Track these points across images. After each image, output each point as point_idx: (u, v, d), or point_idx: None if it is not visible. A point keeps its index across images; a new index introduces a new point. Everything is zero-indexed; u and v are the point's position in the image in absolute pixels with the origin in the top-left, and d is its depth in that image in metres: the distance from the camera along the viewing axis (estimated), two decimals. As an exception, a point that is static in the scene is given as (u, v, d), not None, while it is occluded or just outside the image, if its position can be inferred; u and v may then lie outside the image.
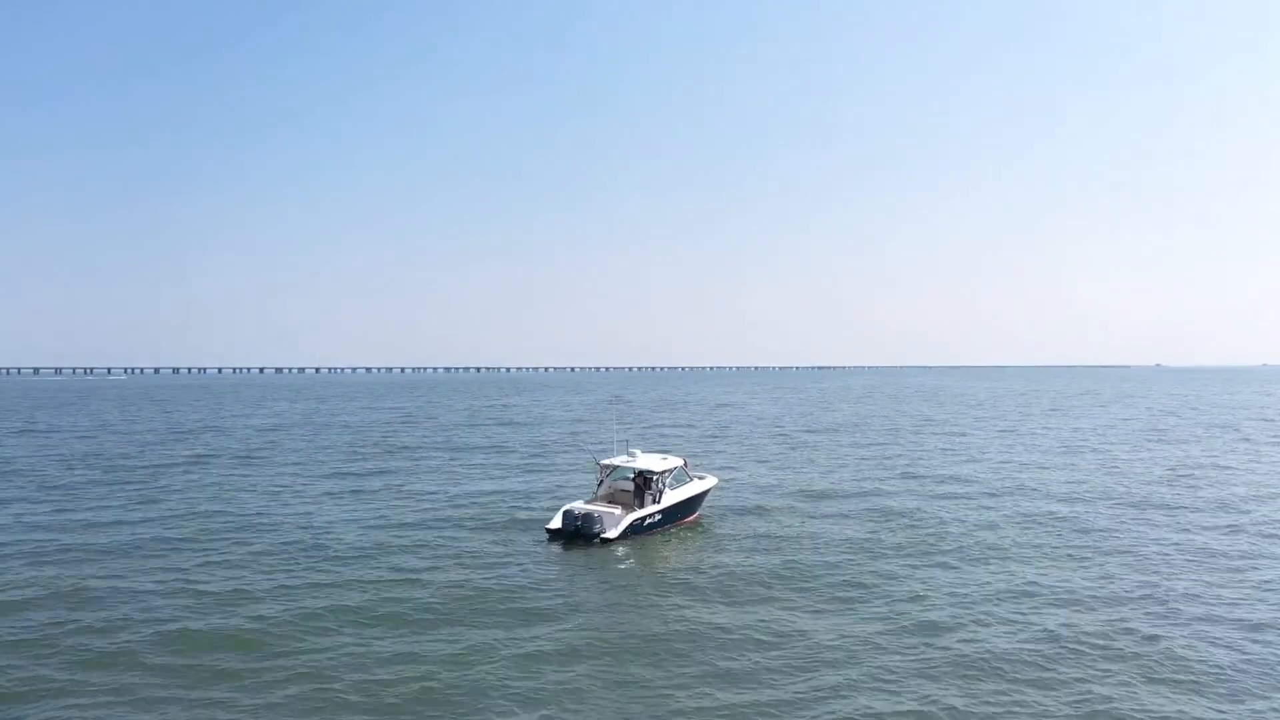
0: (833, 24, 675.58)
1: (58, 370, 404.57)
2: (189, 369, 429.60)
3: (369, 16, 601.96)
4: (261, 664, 18.27)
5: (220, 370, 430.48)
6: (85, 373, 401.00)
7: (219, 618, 21.13)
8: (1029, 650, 19.17)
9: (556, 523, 29.72)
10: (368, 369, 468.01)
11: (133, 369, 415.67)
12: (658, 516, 30.52)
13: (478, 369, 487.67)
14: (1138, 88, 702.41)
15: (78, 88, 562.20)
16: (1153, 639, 20.02)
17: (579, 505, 30.62)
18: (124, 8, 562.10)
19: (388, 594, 23.03)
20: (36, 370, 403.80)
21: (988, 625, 20.98)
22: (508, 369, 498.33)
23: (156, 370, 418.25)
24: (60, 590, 23.36)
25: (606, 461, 32.73)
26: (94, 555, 27.37)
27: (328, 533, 30.83)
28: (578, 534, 28.96)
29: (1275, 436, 70.95)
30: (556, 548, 28.52)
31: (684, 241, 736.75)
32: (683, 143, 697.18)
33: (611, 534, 28.77)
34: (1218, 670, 18.24)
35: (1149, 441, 66.27)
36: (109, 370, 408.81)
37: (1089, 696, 16.92)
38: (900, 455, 57.24)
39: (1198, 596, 23.47)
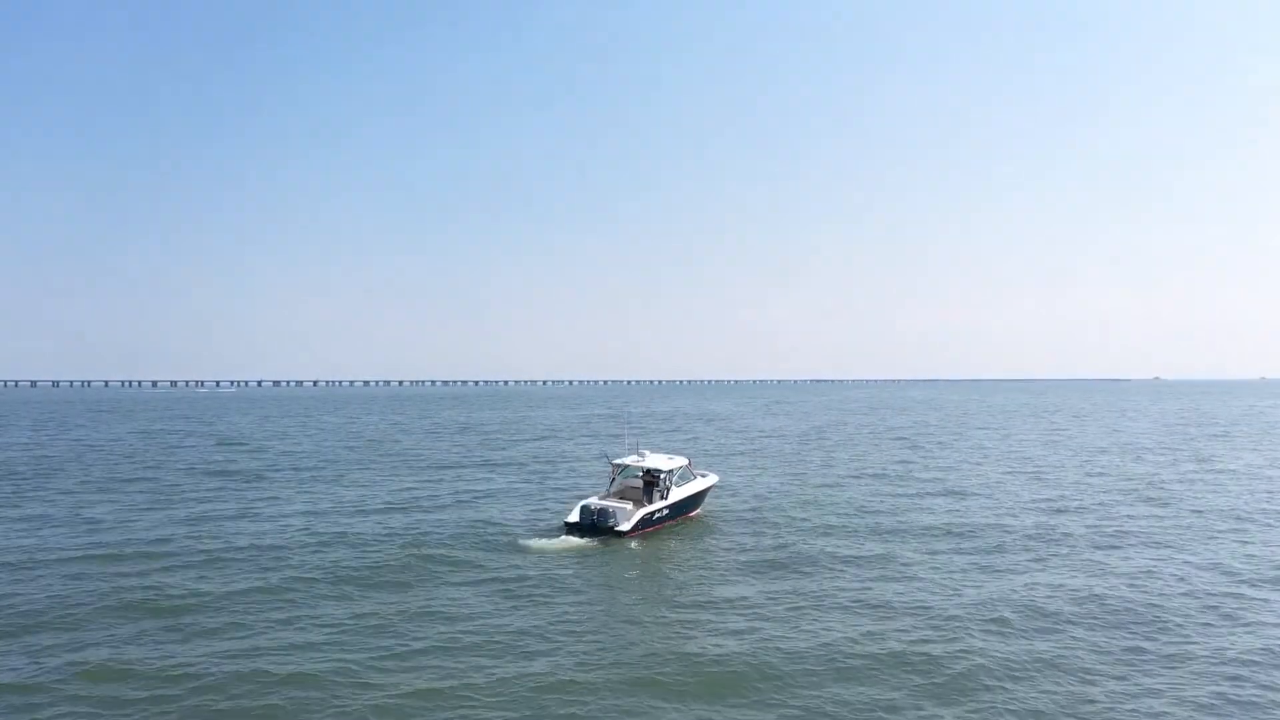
0: (845, 38, 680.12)
1: (55, 383, 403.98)
2: (185, 382, 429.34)
3: (388, 29, 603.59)
4: (293, 638, 18.82)
5: (219, 384, 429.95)
6: (84, 385, 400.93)
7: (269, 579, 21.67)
8: (1017, 646, 19.49)
9: (574, 516, 31.08)
10: (365, 382, 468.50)
11: (128, 382, 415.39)
12: (665, 511, 32.21)
13: (475, 383, 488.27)
14: (1138, 101, 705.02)
15: (103, 93, 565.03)
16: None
17: (594, 501, 31.97)
18: (148, 10, 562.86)
19: (419, 587, 23.93)
20: (34, 383, 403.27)
21: (960, 609, 21.45)
22: (504, 382, 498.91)
23: (154, 384, 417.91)
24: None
25: (618, 461, 34.37)
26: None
27: (365, 531, 31.77)
28: (594, 527, 30.39)
29: None
30: (575, 539, 29.85)
31: (679, 253, 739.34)
32: (694, 154, 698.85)
33: (624, 527, 30.27)
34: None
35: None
36: (106, 383, 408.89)
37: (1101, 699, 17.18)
38: (895, 461, 57.74)
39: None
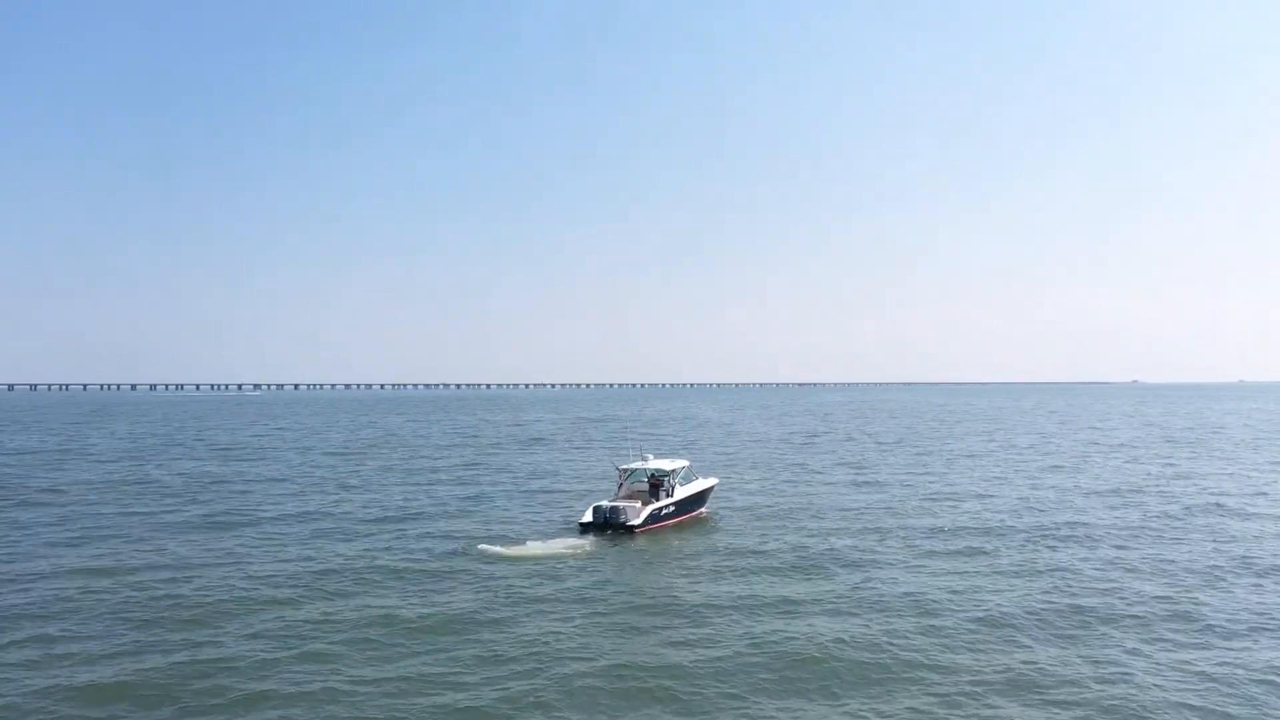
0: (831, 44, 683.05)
1: (33, 386, 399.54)
2: (166, 385, 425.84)
3: (392, 28, 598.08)
4: (328, 633, 19.33)
5: (199, 387, 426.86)
6: (62, 389, 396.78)
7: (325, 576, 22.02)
8: (1010, 641, 19.89)
9: (588, 517, 32.81)
10: (347, 385, 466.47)
11: (108, 384, 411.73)
12: (672, 508, 34.04)
13: (458, 385, 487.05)
14: (1129, 102, 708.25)
15: (107, 94, 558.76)
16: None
17: (605, 502, 33.64)
18: (152, 10, 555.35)
19: (449, 582, 24.81)
20: (11, 386, 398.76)
21: (950, 593, 22.14)
22: (488, 385, 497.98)
23: (152, 387, 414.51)
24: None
25: (624, 467, 36.34)
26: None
27: (374, 539, 32.06)
28: (607, 524, 32.17)
29: None
30: (591, 536, 31.44)
31: (665, 256, 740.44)
32: (687, 155, 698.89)
33: (635, 521, 32.13)
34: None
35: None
36: (85, 386, 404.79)
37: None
38: (882, 464, 58.73)
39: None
